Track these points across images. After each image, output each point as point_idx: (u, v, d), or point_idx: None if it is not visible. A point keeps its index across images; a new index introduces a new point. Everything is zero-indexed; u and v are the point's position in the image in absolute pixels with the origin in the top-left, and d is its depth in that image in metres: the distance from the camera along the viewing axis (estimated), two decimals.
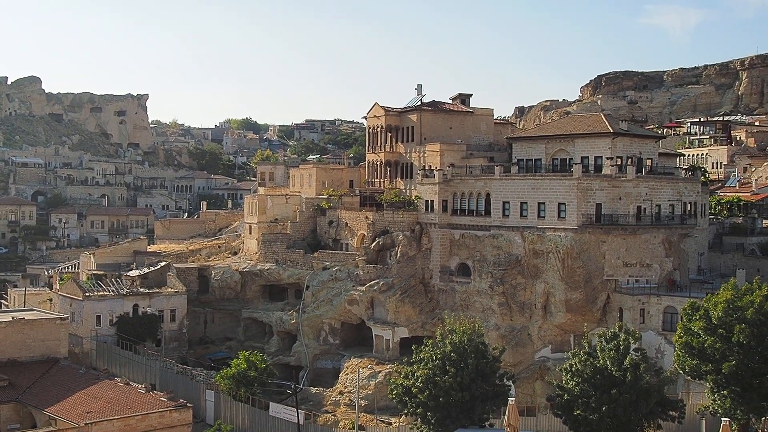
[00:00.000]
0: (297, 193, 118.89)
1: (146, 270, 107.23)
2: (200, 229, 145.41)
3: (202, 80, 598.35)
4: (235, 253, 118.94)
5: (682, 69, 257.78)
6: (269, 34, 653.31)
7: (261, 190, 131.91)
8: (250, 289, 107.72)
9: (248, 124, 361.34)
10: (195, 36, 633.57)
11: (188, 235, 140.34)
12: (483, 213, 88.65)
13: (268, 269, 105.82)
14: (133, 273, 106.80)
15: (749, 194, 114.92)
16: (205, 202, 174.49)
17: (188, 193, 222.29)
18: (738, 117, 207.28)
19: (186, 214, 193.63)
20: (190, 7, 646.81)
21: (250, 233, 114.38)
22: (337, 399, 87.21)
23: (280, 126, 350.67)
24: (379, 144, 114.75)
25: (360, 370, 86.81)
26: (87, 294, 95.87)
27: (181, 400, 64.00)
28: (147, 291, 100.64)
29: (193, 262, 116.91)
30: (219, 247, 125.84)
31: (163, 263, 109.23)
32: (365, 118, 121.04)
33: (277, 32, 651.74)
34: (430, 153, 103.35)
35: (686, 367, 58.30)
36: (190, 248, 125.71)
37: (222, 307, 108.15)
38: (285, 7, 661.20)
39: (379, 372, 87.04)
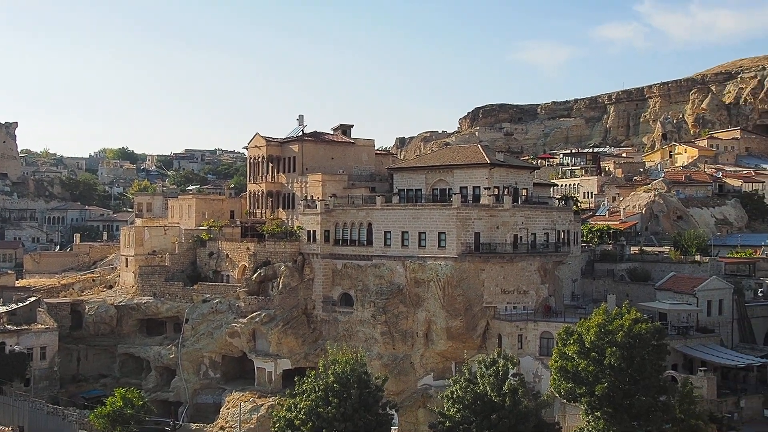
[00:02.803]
0: (176, 225, 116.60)
1: (14, 306, 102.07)
2: (73, 263, 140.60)
3: (75, 108, 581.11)
4: (111, 287, 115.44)
5: (554, 102, 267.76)
6: (147, 62, 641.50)
7: (138, 222, 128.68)
8: (127, 324, 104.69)
9: (125, 154, 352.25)
10: (67, 63, 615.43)
11: (60, 268, 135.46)
12: (365, 243, 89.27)
13: (145, 303, 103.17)
14: (0, 309, 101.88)
15: (618, 222, 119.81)
16: (78, 234, 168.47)
17: (61, 225, 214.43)
18: (606, 149, 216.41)
19: (58, 246, 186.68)
20: (63, 33, 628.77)
21: (127, 266, 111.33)
22: None
23: (158, 156, 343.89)
24: (260, 174, 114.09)
25: (242, 403, 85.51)
26: None
27: None
28: (15, 328, 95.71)
29: (66, 296, 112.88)
30: (93, 280, 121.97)
31: (32, 298, 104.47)
32: (246, 148, 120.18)
33: (156, 61, 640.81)
34: (311, 183, 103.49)
35: (562, 390, 60.11)
36: (62, 282, 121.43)
37: (96, 343, 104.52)
38: (164, 37, 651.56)
39: (262, 405, 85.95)
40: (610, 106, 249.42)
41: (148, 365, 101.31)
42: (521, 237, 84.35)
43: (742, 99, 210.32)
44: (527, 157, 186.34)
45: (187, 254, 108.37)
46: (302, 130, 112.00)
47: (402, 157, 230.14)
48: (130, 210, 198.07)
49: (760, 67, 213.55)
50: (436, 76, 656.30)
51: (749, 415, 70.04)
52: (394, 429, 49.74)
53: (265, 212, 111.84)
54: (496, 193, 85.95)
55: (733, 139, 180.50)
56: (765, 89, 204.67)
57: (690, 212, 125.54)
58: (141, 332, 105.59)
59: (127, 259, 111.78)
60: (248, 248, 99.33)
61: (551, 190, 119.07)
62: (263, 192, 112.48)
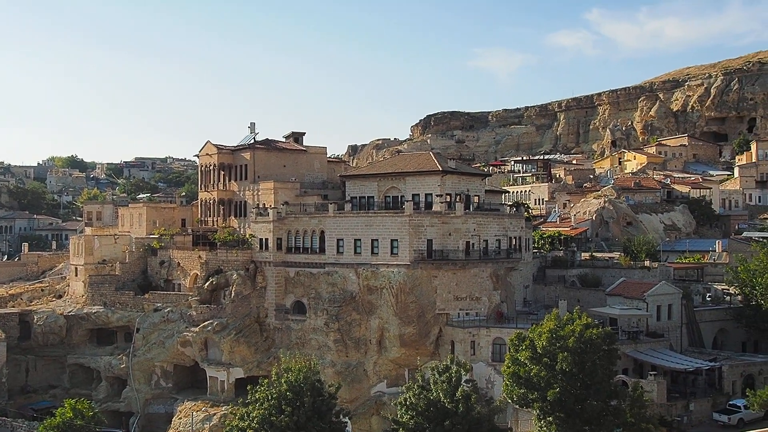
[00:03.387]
0: (126, 233, 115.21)
1: None
2: (21, 272, 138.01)
3: (23, 116, 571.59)
4: (60, 297, 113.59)
5: (505, 110, 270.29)
6: (96, 70, 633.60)
7: (88, 230, 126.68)
8: (77, 334, 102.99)
9: (74, 162, 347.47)
10: (15, 71, 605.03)
11: (8, 278, 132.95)
12: (317, 250, 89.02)
13: (95, 312, 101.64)
14: None
15: (569, 229, 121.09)
16: (26, 244, 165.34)
17: (9, 235, 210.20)
18: (557, 156, 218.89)
19: (6, 256, 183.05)
20: (9, 42, 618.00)
21: (76, 275, 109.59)
22: None
23: (108, 164, 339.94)
24: (212, 182, 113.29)
25: (194, 413, 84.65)
26: None
27: None
28: None
29: (14, 306, 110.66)
30: (42, 290, 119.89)
31: None
32: (197, 156, 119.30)
33: (105, 69, 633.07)
34: (263, 191, 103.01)
35: (514, 395, 60.51)
36: (9, 292, 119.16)
37: (45, 354, 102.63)
38: (113, 45, 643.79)
39: (214, 414, 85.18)
40: (561, 113, 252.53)
41: (98, 375, 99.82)
42: (473, 244, 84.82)
43: (690, 106, 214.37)
44: (479, 165, 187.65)
45: (137, 263, 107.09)
46: (254, 138, 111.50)
47: (354, 164, 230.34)
48: (79, 219, 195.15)
49: (707, 75, 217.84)
50: (388, 83, 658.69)
51: (698, 419, 71.10)
52: None
53: (217, 220, 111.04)
54: (448, 200, 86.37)
55: (681, 145, 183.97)
56: (711, 97, 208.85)
57: (639, 218, 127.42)
58: (91, 342, 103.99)
59: (76, 268, 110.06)
60: (200, 257, 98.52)
61: (503, 196, 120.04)
62: (215, 200, 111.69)
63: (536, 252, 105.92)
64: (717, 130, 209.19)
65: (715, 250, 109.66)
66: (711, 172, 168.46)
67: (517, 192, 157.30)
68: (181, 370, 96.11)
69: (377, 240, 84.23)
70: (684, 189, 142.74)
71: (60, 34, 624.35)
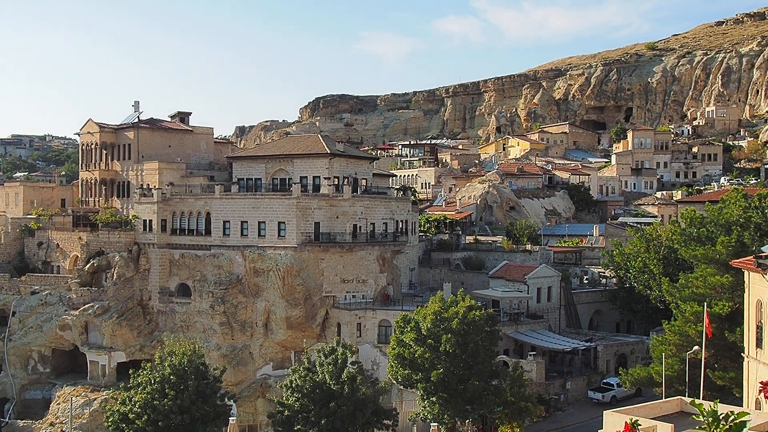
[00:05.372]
0: (2, 213, 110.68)
1: None
2: None
3: None
4: None
5: (394, 94, 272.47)
6: None
7: None
8: None
9: None
10: None
11: None
12: (203, 232, 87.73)
13: None
14: None
15: (454, 213, 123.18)
16: None
17: None
18: (444, 141, 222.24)
19: None
20: None
21: None
22: (49, 431, 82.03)
23: None
24: (93, 161, 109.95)
25: (73, 398, 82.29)
26: None
27: None
28: None
29: None
30: None
31: None
32: (79, 134, 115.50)
33: None
34: (148, 171, 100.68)
35: (399, 377, 61.46)
36: None
37: None
38: None
39: (95, 399, 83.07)
40: (448, 99, 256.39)
41: None
42: (360, 227, 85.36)
43: (571, 95, 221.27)
44: (367, 148, 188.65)
45: (13, 244, 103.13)
46: (138, 117, 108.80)
47: (242, 146, 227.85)
48: None
49: (588, 65, 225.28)
50: (277, 64, 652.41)
51: (575, 396, 74.00)
52: (233, 420, 49.36)
53: (99, 201, 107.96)
54: (336, 183, 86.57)
55: (562, 133, 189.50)
56: (591, 86, 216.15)
57: (522, 203, 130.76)
58: None
59: None
60: (80, 238, 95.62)
61: (390, 180, 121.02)
62: (97, 180, 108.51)
63: (422, 235, 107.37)
64: (596, 118, 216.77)
65: (593, 235, 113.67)
66: (590, 159, 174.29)
67: (405, 176, 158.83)
68: (60, 355, 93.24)
69: (264, 222, 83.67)
70: (564, 175, 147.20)
71: None
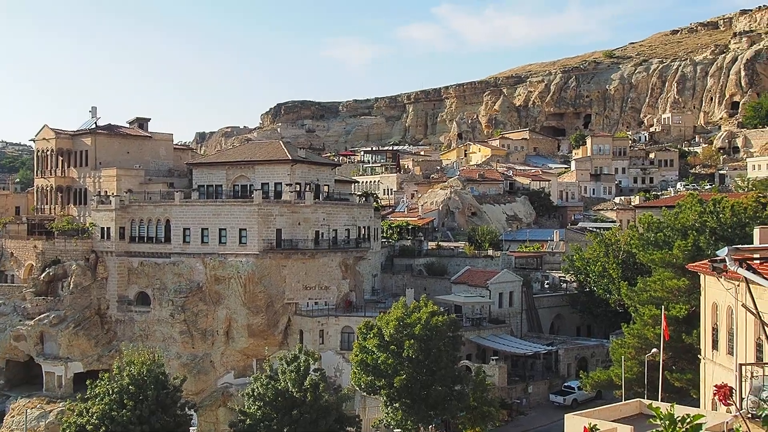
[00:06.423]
0: None
1: None
2: None
3: None
4: None
5: (356, 101, 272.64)
6: None
7: None
8: None
9: None
10: None
11: None
12: (163, 240, 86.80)
13: None
14: None
15: (416, 219, 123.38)
16: None
17: None
18: (406, 147, 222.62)
19: None
20: None
21: None
22: None
23: None
24: (49, 168, 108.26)
25: (28, 410, 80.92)
26: None
27: None
28: None
29: None
30: None
31: None
32: (34, 140, 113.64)
33: None
34: (105, 178, 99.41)
35: (362, 383, 61.22)
36: None
37: None
38: None
39: (51, 411, 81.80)
40: (410, 105, 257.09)
41: None
42: (323, 233, 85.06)
43: (531, 102, 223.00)
44: (329, 154, 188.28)
45: None
46: (95, 123, 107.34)
47: (202, 152, 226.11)
48: None
49: (547, 72, 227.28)
50: (239, 70, 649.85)
51: (536, 400, 74.40)
52: (193, 429, 48.76)
53: (55, 208, 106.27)
54: (298, 189, 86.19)
55: (522, 139, 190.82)
56: (551, 93, 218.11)
57: (483, 209, 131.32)
58: None
59: None
60: (35, 246, 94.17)
61: (352, 186, 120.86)
62: (52, 187, 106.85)
63: (384, 241, 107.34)
64: (556, 125, 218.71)
65: (553, 240, 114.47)
66: (550, 165, 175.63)
67: (367, 182, 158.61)
68: (14, 366, 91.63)
69: (225, 229, 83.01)
70: (525, 181, 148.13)
71: None
